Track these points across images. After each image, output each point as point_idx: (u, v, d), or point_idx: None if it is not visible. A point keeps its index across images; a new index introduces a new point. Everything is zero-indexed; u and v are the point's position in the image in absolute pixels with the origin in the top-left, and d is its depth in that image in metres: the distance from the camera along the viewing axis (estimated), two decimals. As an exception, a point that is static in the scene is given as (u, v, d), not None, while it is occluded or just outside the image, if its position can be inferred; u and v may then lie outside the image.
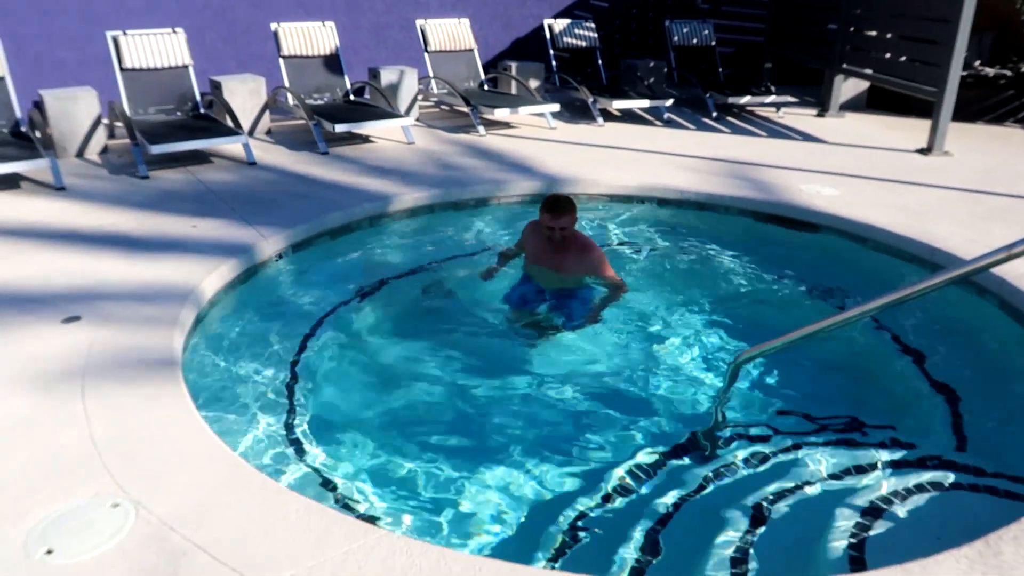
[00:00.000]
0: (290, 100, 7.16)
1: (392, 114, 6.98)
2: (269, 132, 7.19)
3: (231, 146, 6.30)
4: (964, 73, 7.78)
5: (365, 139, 7.00)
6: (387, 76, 7.58)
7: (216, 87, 6.87)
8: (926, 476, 2.79)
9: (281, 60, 7.26)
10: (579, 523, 2.58)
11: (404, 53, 8.79)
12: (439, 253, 4.96)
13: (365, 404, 3.34)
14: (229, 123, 6.40)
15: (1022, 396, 3.38)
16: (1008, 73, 9.08)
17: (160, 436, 2.62)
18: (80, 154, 6.20)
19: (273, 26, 7.31)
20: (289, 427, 3.06)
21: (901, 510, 2.59)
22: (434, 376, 3.56)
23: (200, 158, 6.17)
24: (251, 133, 6.93)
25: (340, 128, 6.52)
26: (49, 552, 2.08)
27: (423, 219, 5.41)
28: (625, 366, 3.62)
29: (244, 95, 6.91)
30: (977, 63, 9.56)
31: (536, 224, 4.14)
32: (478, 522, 2.60)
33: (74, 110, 6.11)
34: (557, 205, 3.89)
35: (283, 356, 3.60)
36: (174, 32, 6.71)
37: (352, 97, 7.54)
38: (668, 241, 5.24)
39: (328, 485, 2.74)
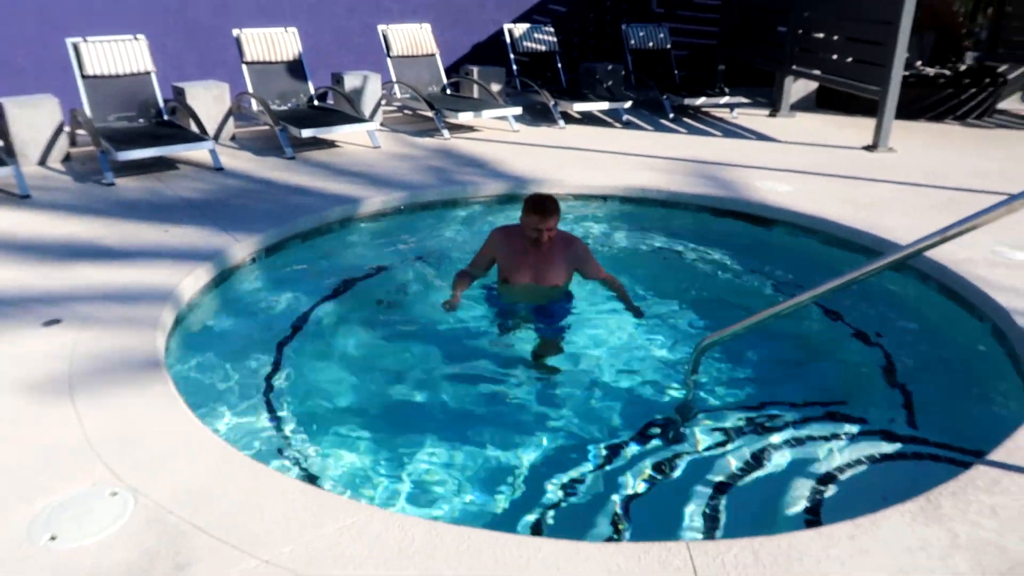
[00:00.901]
0: (254, 106, 7.21)
1: (357, 119, 7.08)
2: (234, 138, 7.23)
3: (197, 152, 6.34)
4: (906, 73, 8.15)
5: (331, 144, 7.09)
6: (351, 81, 7.67)
7: (180, 93, 6.90)
8: (875, 447, 3.00)
9: (244, 66, 7.31)
10: (559, 495, 2.74)
11: (367, 58, 8.89)
12: (409, 253, 5.07)
13: (343, 394, 3.45)
14: (195, 129, 6.44)
15: (960, 371, 3.64)
16: (947, 72, 9.51)
17: (150, 428, 2.71)
18: (42, 162, 6.18)
19: (235, 32, 7.36)
20: (273, 417, 3.17)
21: (852, 477, 2.80)
22: (407, 365, 3.69)
23: (166, 165, 6.20)
24: (216, 139, 6.97)
25: (306, 133, 6.60)
26: (53, 538, 2.16)
27: (392, 220, 5.53)
28: (597, 354, 3.79)
29: (208, 101, 6.95)
30: (919, 63, 9.98)
31: (509, 231, 3.93)
32: (464, 499, 2.74)
33: (36, 117, 6.10)
34: (545, 204, 3.66)
35: (262, 352, 3.69)
36: (135, 39, 6.73)
37: (316, 102, 7.62)
38: (632, 237, 5.43)
39: (313, 471, 2.86)
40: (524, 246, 3.81)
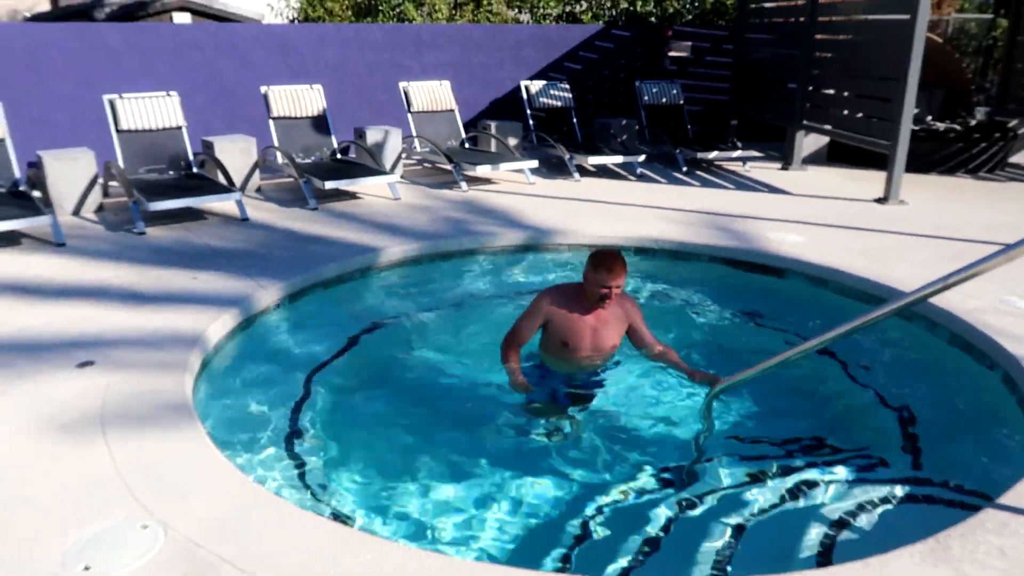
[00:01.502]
0: (279, 159, 7.46)
1: (378, 171, 7.30)
2: (259, 190, 7.47)
3: (224, 204, 6.56)
4: (916, 127, 8.31)
5: (353, 196, 7.30)
6: (372, 135, 7.93)
7: (208, 147, 7.16)
8: (886, 490, 3.04)
9: (271, 121, 7.58)
10: (574, 535, 2.80)
11: (388, 113, 9.18)
12: (430, 302, 5.20)
13: (363, 435, 3.55)
14: (222, 181, 6.67)
15: (970, 417, 3.68)
16: (957, 127, 9.65)
17: (180, 465, 2.81)
18: (76, 212, 6.42)
19: (263, 89, 7.66)
20: (295, 456, 3.26)
21: (863, 519, 2.84)
22: (427, 408, 3.79)
23: (194, 215, 6.41)
24: (242, 191, 7.19)
25: (329, 185, 6.82)
26: (87, 569, 2.25)
27: (412, 269, 5.67)
28: (611, 400, 3.86)
29: (235, 154, 7.20)
30: (929, 118, 10.14)
31: (563, 292, 3.64)
32: (481, 536, 2.81)
33: (72, 170, 6.36)
34: (616, 260, 3.43)
35: (286, 394, 3.81)
36: (168, 95, 7.02)
37: (339, 156, 7.86)
38: (646, 286, 5.54)
39: (333, 507, 2.94)
40: (583, 307, 3.58)
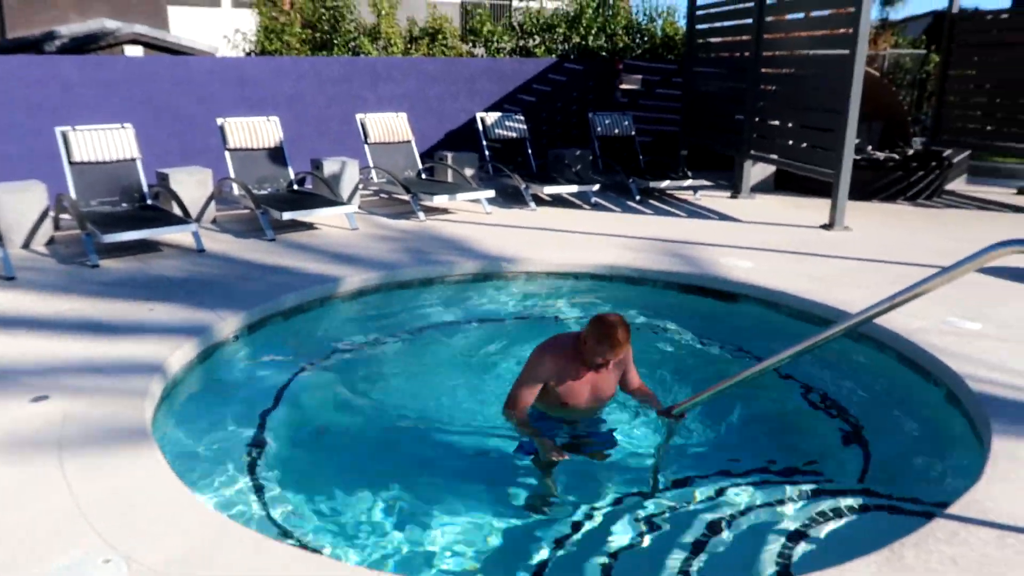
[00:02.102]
0: (236, 190, 7.42)
1: (335, 202, 7.31)
2: (215, 221, 7.41)
3: (180, 235, 6.49)
4: (857, 157, 8.65)
5: (310, 226, 7.28)
6: (329, 166, 7.94)
7: (163, 179, 7.09)
8: (842, 503, 3.14)
9: (227, 153, 7.55)
10: (539, 559, 2.83)
11: (345, 145, 9.21)
12: (390, 331, 5.21)
13: (329, 464, 3.54)
14: (178, 212, 6.61)
15: (919, 433, 3.83)
16: (896, 157, 10.07)
17: (141, 497, 2.76)
18: (26, 245, 6.28)
19: (219, 121, 7.63)
20: (256, 484, 3.23)
21: (820, 532, 2.93)
22: (386, 434, 3.80)
23: (149, 247, 6.33)
24: (198, 222, 7.13)
25: (287, 216, 6.80)
26: (48, 604, 2.20)
27: (372, 299, 5.67)
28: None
29: (191, 186, 7.15)
30: (869, 148, 10.56)
31: (559, 352, 3.49)
32: (447, 562, 2.81)
33: (23, 202, 6.23)
34: (620, 333, 3.28)
35: (246, 423, 3.78)
36: (123, 127, 6.95)
37: (296, 187, 7.86)
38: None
39: (292, 533, 2.92)
40: (581, 364, 3.45)
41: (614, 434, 3.70)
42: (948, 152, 10.45)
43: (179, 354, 4.11)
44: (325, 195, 7.58)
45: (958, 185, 10.56)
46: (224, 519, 2.69)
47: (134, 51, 15.19)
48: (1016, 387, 3.79)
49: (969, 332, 4.58)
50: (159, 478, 2.90)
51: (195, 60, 9.56)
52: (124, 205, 6.76)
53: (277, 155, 7.84)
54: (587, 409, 3.61)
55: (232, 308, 4.84)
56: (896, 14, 23.54)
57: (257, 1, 11.38)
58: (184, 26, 21.39)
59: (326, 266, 5.94)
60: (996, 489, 2.88)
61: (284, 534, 2.93)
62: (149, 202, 6.86)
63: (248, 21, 11.93)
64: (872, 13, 9.08)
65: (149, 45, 15.20)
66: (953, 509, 2.76)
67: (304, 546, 2.85)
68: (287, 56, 9.91)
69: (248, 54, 10.76)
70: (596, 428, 3.71)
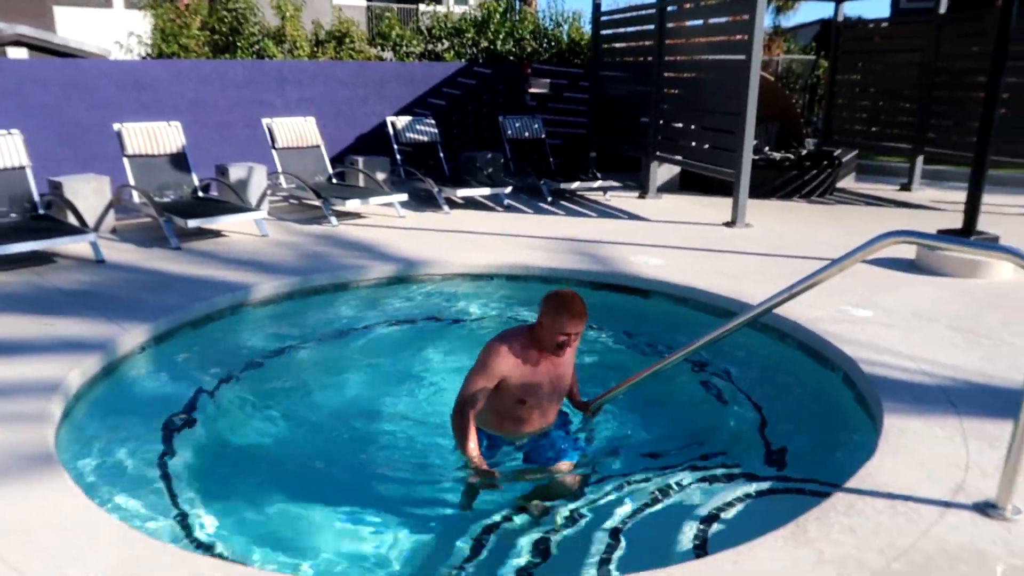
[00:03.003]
0: (136, 198, 7.15)
1: (244, 208, 7.13)
2: (115, 231, 7.11)
3: (77, 246, 6.21)
4: (756, 157, 9.04)
5: (217, 234, 7.09)
6: (236, 172, 7.74)
7: (56, 187, 6.76)
8: (751, 486, 3.30)
9: (126, 159, 7.26)
10: (467, 549, 2.86)
11: (251, 150, 9.00)
12: (304, 337, 5.14)
13: (245, 474, 3.47)
14: (73, 222, 6.32)
15: (817, 417, 4.06)
16: (791, 157, 10.58)
17: (49, 521, 2.65)
18: (-96, 260, 5.88)
19: (116, 126, 7.33)
20: (175, 502, 3.14)
21: (733, 514, 3.08)
22: (302, 443, 3.75)
23: (44, 259, 6.02)
24: (96, 232, 6.82)
25: (192, 223, 6.60)
26: (-50, 634, 2.09)
27: (284, 305, 5.57)
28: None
29: (87, 195, 6.84)
30: (766, 149, 11.06)
31: (516, 341, 3.24)
32: (370, 570, 2.81)
33: (-102, 215, 5.83)
34: (579, 305, 3.12)
35: (156, 439, 3.66)
36: (9, 134, 6.59)
37: (201, 193, 7.62)
38: (518, 311, 5.71)
39: (213, 548, 2.86)
40: (538, 355, 3.25)
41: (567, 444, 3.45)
42: (838, 152, 11.05)
43: (80, 371, 3.94)
44: (232, 202, 7.39)
45: (848, 183, 11.19)
46: (140, 535, 2.60)
47: (18, 53, 14.39)
48: (903, 368, 4.07)
49: (861, 319, 4.88)
50: (66, 500, 2.78)
51: (87, 63, 9.14)
52: (14, 215, 6.40)
53: (180, 161, 7.59)
54: (540, 415, 3.38)
55: (137, 320, 4.67)
56: (787, 21, 24.73)
57: (151, 2, 10.97)
58: (72, 27, 20.39)
59: (236, 273, 5.80)
60: (887, 463, 3.09)
61: (201, 547, 2.86)
62: (42, 212, 6.52)
63: (142, 23, 11.48)
64: (765, 20, 9.52)
65: (34, 47, 14.44)
66: (851, 483, 2.95)
67: (224, 558, 2.79)
68: (187, 59, 9.60)
69: (144, 57, 10.36)
70: (546, 446, 3.42)
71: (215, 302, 5.17)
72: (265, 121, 8.48)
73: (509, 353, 3.23)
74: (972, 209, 6.12)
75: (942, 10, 10.29)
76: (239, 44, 10.30)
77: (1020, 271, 2.58)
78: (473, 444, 3.18)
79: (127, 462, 3.42)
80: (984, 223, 6.41)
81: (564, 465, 3.30)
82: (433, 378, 4.59)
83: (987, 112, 5.90)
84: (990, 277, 5.89)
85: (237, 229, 7.22)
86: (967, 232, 6.14)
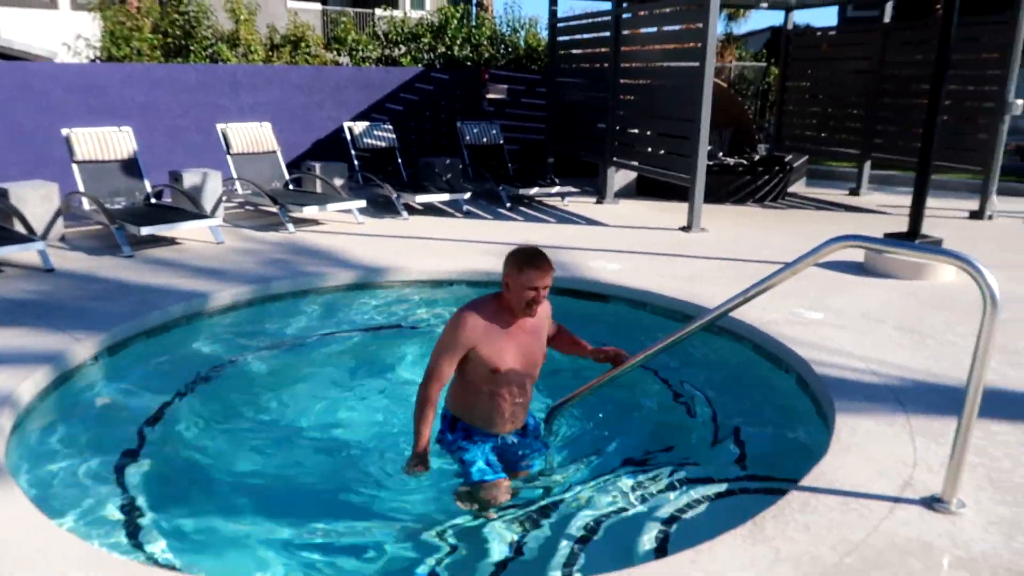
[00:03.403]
0: (86, 205, 6.99)
1: (198, 215, 7.03)
2: (64, 239, 6.94)
3: (24, 254, 6.05)
4: (710, 163, 9.21)
5: (172, 241, 6.97)
6: (190, 178, 7.63)
7: (2, 194, 6.58)
8: (709, 486, 3.37)
9: (75, 165, 7.11)
10: (434, 557, 2.87)
11: (204, 156, 8.88)
12: (262, 345, 5.08)
13: (202, 486, 3.42)
14: (20, 230, 6.15)
15: (772, 417, 4.16)
16: (744, 162, 10.80)
17: (5, 538, 2.58)
18: None
19: (64, 131, 7.17)
20: (132, 516, 3.09)
21: (692, 514, 3.14)
22: (264, 454, 3.72)
23: (-11, 267, 5.86)
24: (44, 240, 6.65)
25: (145, 231, 6.48)
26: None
27: (242, 314, 5.51)
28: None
29: (35, 201, 6.67)
30: (720, 154, 11.27)
31: (483, 308, 3.12)
32: None
33: None
34: (541, 255, 3.06)
35: (115, 450, 3.58)
36: (-48, 139, 6.40)
37: (153, 200, 7.49)
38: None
39: (174, 565, 2.82)
40: (506, 321, 3.15)
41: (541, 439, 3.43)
42: (789, 157, 11.32)
43: (30, 383, 3.84)
44: (187, 208, 7.28)
45: (799, 187, 11.46)
46: (94, 550, 2.56)
47: (-40, 56, 13.95)
48: (854, 368, 4.19)
49: (813, 321, 5.00)
50: (19, 516, 2.71)
51: (34, 66, 8.93)
52: (-43, 223, 6.22)
53: (131, 167, 7.45)
54: (518, 387, 3.25)
55: (89, 329, 4.57)
56: (739, 29, 25.21)
57: (99, 4, 10.74)
58: (16, 29, 19.85)
59: (192, 281, 5.71)
60: (839, 461, 3.19)
61: (157, 563, 2.81)
62: (-14, 219, 6.34)
63: (90, 25, 11.22)
64: (718, 27, 9.70)
65: (-23, 49, 14.02)
66: (805, 482, 3.03)
67: (180, 571, 2.75)
68: (138, 63, 9.42)
69: (93, 60, 10.14)
70: (525, 445, 3.40)
71: (170, 311, 5.09)
72: (220, 126, 8.37)
73: (478, 319, 3.11)
74: (917, 213, 6.32)
75: (887, 19, 10.62)
76: (192, 48, 10.14)
77: (962, 273, 2.69)
78: (425, 428, 3.15)
79: (80, 475, 3.35)
80: (928, 226, 6.62)
81: (504, 483, 3.22)
82: (394, 386, 4.58)
83: (930, 119, 6.10)
84: (934, 279, 6.09)
85: (192, 236, 7.11)
86: (912, 235, 6.34)
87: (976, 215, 9.25)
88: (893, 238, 6.48)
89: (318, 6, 21.71)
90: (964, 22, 8.72)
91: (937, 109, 6.07)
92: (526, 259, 3.07)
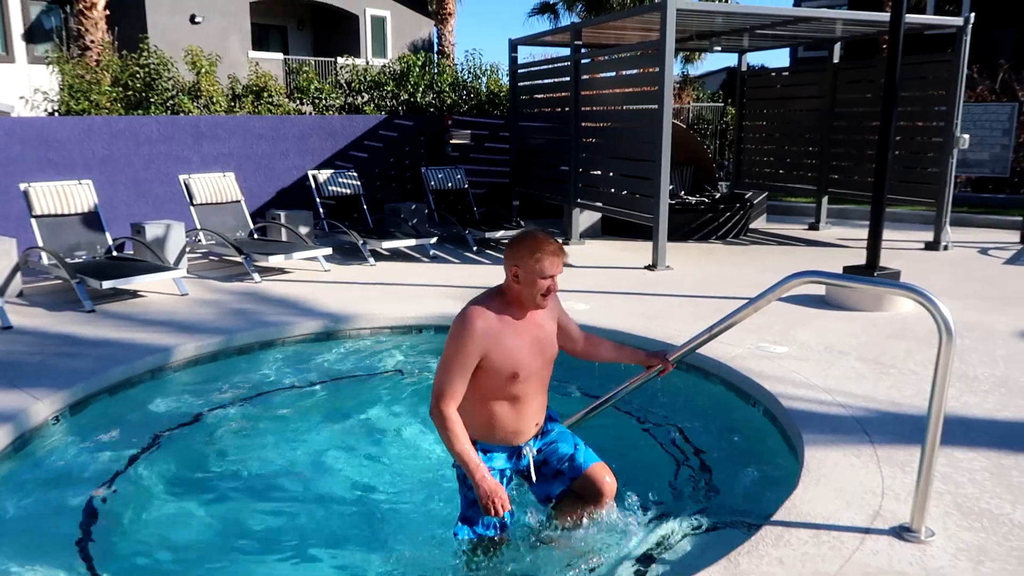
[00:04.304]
0: (45, 260, 6.89)
1: (162, 267, 6.96)
2: (22, 295, 6.81)
3: (-19, 312, 5.92)
4: (672, 202, 9.38)
5: (134, 295, 6.88)
6: (153, 230, 7.56)
7: (-42, 252, 6.46)
8: (684, 522, 3.37)
9: (33, 220, 7.01)
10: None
11: (167, 207, 8.83)
12: (230, 399, 5.00)
13: (172, 545, 3.33)
14: (-23, 288, 6.04)
15: (744, 452, 4.18)
16: (706, 200, 11.01)
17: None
18: None
19: (23, 186, 7.09)
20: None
21: (669, 553, 3.12)
22: (236, 511, 3.64)
23: (-56, 327, 5.72)
24: (1, 296, 6.53)
25: (107, 285, 6.39)
26: None
27: (208, 367, 5.43)
28: (415, 468, 3.93)
29: (-8, 258, 6.55)
30: (682, 193, 11.48)
31: (491, 305, 2.83)
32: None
33: None
34: (550, 239, 2.80)
35: (75, 513, 3.48)
36: (-94, 197, 6.29)
37: (115, 253, 7.40)
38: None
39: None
40: (515, 316, 2.85)
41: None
42: (749, 194, 11.56)
43: (-11, 443, 3.74)
44: (149, 260, 7.20)
45: (760, 223, 11.69)
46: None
47: (-87, 112, 13.77)
48: (819, 400, 4.25)
49: (778, 355, 5.08)
50: (-25, 582, 2.62)
51: (-9, 122, 8.83)
52: (-89, 283, 6.08)
53: (92, 220, 7.38)
54: (540, 377, 2.97)
55: (49, 387, 4.47)
56: (695, 70, 25.84)
57: (57, 58, 10.70)
58: (-29, 83, 19.64)
59: (156, 335, 5.63)
60: (810, 493, 3.22)
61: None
62: (-58, 278, 6.22)
63: (47, 78, 11.17)
64: (674, 69, 9.96)
65: (-69, 105, 13.85)
66: (777, 516, 3.05)
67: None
68: (98, 116, 9.37)
69: (51, 114, 10.07)
70: (552, 448, 3.12)
71: (134, 366, 5.00)
72: (182, 177, 8.34)
73: (488, 318, 2.77)
74: (874, 246, 6.48)
75: (836, 59, 10.99)
76: (153, 100, 10.12)
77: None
78: (467, 446, 2.75)
79: (43, 539, 3.24)
80: (887, 258, 6.79)
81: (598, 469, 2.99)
82: (366, 435, 4.53)
83: (881, 154, 6.30)
84: (894, 310, 6.23)
85: (155, 289, 7.02)
86: (871, 268, 6.49)
87: (931, 246, 9.50)
88: (852, 271, 6.63)
89: (280, 56, 21.86)
90: (909, 61, 9.10)
91: (888, 145, 6.27)
92: (538, 247, 2.75)
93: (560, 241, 2.88)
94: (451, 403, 2.78)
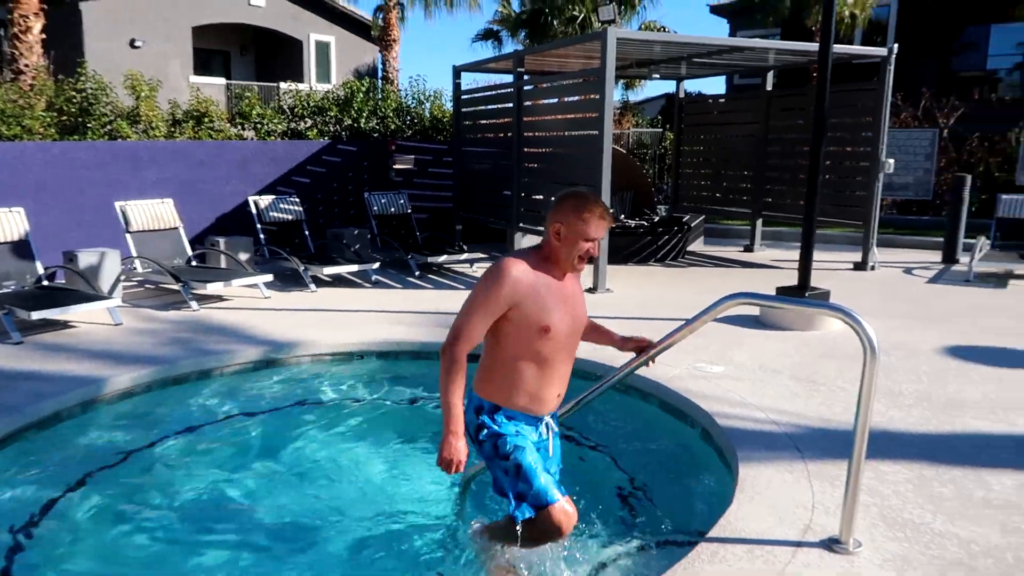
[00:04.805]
0: (-29, 291, 6.65)
1: (95, 296, 6.78)
2: (-55, 327, 6.55)
3: (-100, 345, 5.68)
4: (613, 225, 9.54)
5: (65, 325, 6.68)
6: (86, 258, 7.36)
7: None
8: (622, 544, 3.42)
9: (-42, 249, 6.77)
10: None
11: (102, 235, 8.61)
12: (164, 430, 4.89)
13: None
14: None
15: (680, 471, 4.27)
16: (645, 223, 11.23)
17: None
18: None
19: (-53, 215, 6.85)
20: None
21: (605, 572, 3.17)
22: (172, 547, 3.56)
23: None
24: (-77, 329, 6.29)
25: (36, 315, 6.19)
26: None
27: (142, 398, 5.30)
28: (358, 493, 3.90)
29: (-87, 289, 6.30)
30: (622, 216, 11.68)
31: (529, 260, 2.74)
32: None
33: None
34: (596, 200, 2.74)
35: (4, 553, 3.36)
36: None
37: (45, 282, 7.19)
38: (389, 389, 5.68)
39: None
40: (553, 275, 2.78)
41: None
42: (687, 217, 11.84)
43: (-93, 483, 3.59)
44: (82, 290, 7.01)
45: (698, 246, 11.97)
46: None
47: None
48: (754, 419, 4.37)
49: (714, 375, 5.20)
50: None
51: (-86, 148, 8.52)
52: None
53: (22, 249, 7.16)
54: (567, 345, 2.87)
55: (-27, 423, 4.31)
56: (636, 96, 26.40)
57: (-11, 82, 10.41)
58: None
59: (88, 366, 5.47)
60: (744, 510, 3.30)
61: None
62: None
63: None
64: (615, 95, 10.19)
65: None
66: (713, 532, 3.12)
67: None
68: (30, 141, 9.12)
69: (-20, 140, 9.75)
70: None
71: (63, 399, 4.85)
72: (118, 204, 8.17)
73: (525, 269, 2.69)
74: (805, 268, 6.70)
75: (769, 87, 11.39)
76: (90, 125, 9.90)
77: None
78: (457, 399, 2.69)
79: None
80: (817, 278, 7.03)
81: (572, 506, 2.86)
82: (307, 466, 4.47)
83: (812, 178, 6.55)
84: (825, 329, 6.45)
85: (88, 319, 6.83)
86: (802, 289, 6.71)
87: (859, 266, 9.87)
88: (784, 292, 6.84)
89: (222, 80, 21.62)
90: (838, 89, 9.49)
91: (818, 169, 6.52)
92: (585, 207, 2.68)
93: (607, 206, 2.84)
94: (464, 346, 2.71)
